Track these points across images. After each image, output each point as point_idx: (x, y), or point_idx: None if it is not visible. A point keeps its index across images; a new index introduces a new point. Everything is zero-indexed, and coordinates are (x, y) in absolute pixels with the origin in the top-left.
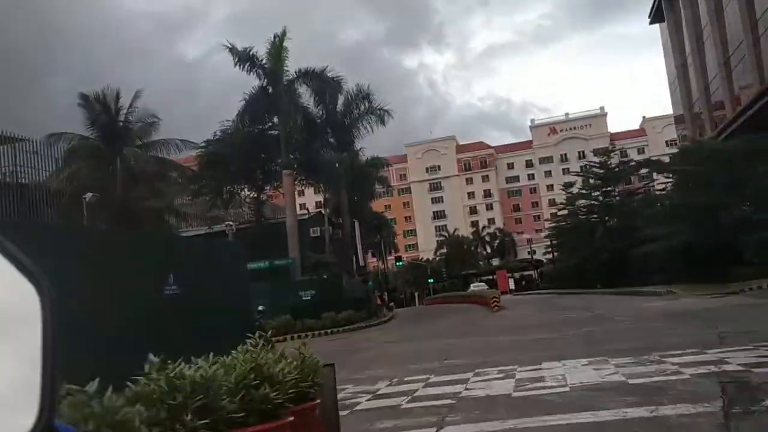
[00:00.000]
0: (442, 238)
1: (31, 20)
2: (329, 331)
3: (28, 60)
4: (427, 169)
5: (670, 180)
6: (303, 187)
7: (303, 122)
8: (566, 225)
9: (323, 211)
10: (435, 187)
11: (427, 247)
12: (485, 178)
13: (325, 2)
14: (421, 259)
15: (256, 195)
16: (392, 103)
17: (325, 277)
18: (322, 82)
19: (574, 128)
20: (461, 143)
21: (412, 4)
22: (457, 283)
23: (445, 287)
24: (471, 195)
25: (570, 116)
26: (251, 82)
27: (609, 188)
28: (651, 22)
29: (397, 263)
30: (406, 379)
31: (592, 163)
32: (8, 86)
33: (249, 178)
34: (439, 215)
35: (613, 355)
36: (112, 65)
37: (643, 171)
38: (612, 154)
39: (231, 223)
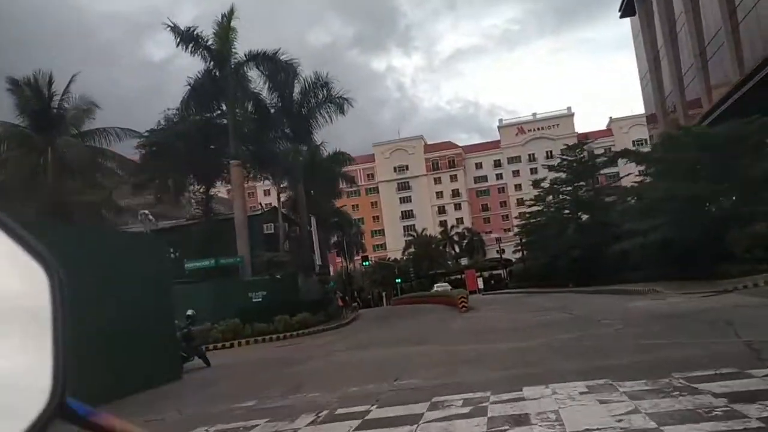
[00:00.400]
0: (410, 238)
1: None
2: (282, 335)
3: None
4: (395, 168)
5: (645, 174)
6: (258, 181)
7: (254, 109)
8: (536, 222)
9: (278, 207)
10: (403, 186)
11: (395, 247)
12: (453, 178)
13: (294, 5)
14: (389, 258)
15: (204, 189)
16: (361, 105)
17: (278, 277)
18: (276, 67)
19: (542, 128)
20: (429, 143)
21: (380, 8)
22: (425, 282)
23: (413, 287)
24: (439, 194)
25: (537, 116)
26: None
27: (581, 183)
28: (621, 16)
29: (364, 263)
30: (339, 411)
31: (564, 157)
32: None
33: (197, 170)
34: (407, 215)
35: (618, 376)
36: (79, 68)
37: (610, 170)
38: (584, 148)
39: (146, 211)
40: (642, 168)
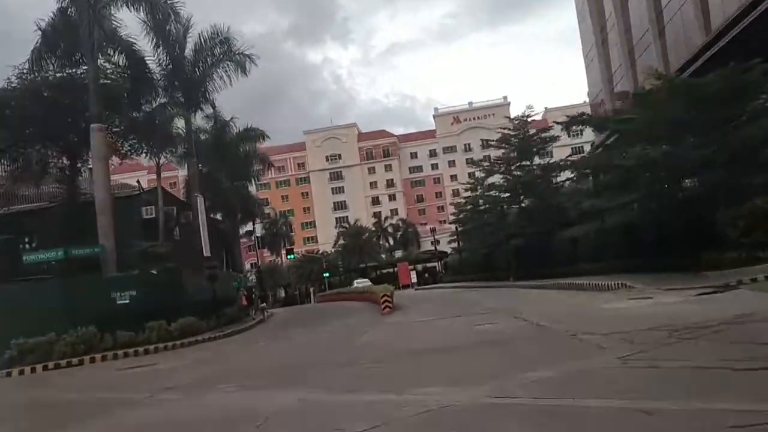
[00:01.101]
0: (343, 230)
1: None
2: (155, 347)
3: None
4: (327, 157)
5: (606, 146)
6: (138, 155)
7: (127, 63)
8: (472, 208)
9: (158, 184)
10: (335, 176)
11: (327, 240)
12: (388, 168)
13: None
14: (318, 252)
15: (69, 162)
16: (297, 97)
17: (153, 272)
18: (155, 11)
19: (478, 117)
20: (363, 132)
21: None
22: (354, 277)
23: (342, 282)
24: (373, 185)
25: (473, 105)
26: None
27: (525, 162)
28: None
29: (289, 256)
30: None
31: (504, 131)
32: None
33: (57, 138)
34: (339, 206)
35: None
36: None
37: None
38: (527, 121)
39: None
40: (599, 140)
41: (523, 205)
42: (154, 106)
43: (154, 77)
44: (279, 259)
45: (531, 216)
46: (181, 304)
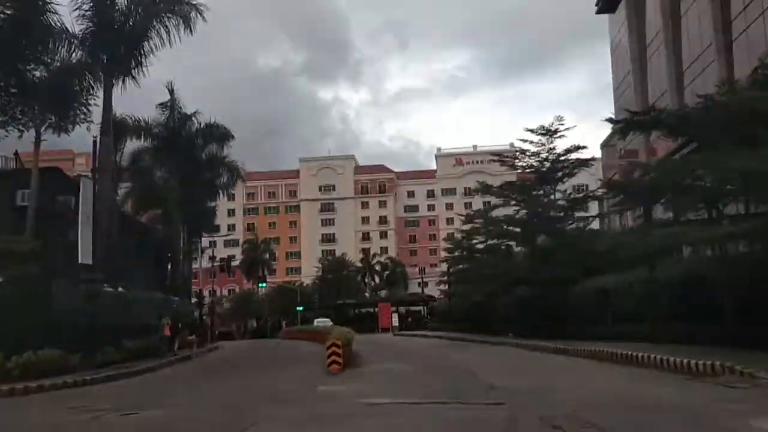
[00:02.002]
0: (324, 262)
1: None
2: None
3: None
4: (320, 187)
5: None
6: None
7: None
8: (471, 244)
9: (35, 162)
10: (327, 207)
11: (311, 272)
12: (382, 204)
13: (244, 26)
14: (296, 283)
15: None
16: (304, 133)
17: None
18: None
19: (481, 162)
20: (361, 164)
21: (332, 39)
22: (330, 314)
23: (317, 317)
24: (365, 220)
25: (478, 149)
26: None
27: (545, 187)
28: (598, 11)
29: (260, 285)
30: None
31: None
32: None
33: None
34: (328, 238)
35: None
36: None
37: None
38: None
39: None
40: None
41: (536, 243)
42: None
43: (63, 26)
44: (256, 287)
45: (547, 258)
46: (48, 329)
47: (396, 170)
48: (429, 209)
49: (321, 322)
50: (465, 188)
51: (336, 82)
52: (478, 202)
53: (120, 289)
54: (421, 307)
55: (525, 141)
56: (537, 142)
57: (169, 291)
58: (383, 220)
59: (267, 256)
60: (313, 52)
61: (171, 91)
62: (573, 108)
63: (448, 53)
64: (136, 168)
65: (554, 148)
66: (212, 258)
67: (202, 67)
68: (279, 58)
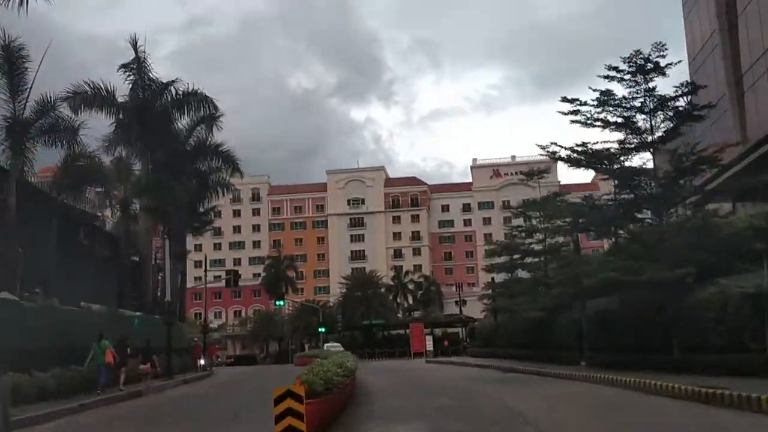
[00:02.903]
0: (348, 278)
1: None
2: None
3: None
4: (349, 201)
5: None
6: None
7: None
8: (526, 245)
9: None
10: (356, 222)
11: (339, 292)
12: (415, 219)
13: (277, 47)
14: (319, 302)
15: None
16: (336, 154)
17: None
18: None
19: (520, 173)
20: (392, 177)
21: (364, 59)
22: (357, 336)
23: (341, 339)
24: (397, 236)
25: (517, 160)
26: None
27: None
28: None
29: (277, 303)
30: None
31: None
32: None
33: None
34: (357, 255)
35: None
36: (52, 87)
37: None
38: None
39: None
40: None
41: (628, 233)
42: None
43: None
44: (284, 307)
45: (645, 254)
46: None
47: (429, 183)
48: (465, 224)
49: (332, 347)
50: (503, 201)
51: (368, 102)
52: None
53: (55, 302)
54: (459, 329)
55: (610, 78)
56: (628, 81)
57: (153, 311)
58: (416, 236)
59: (291, 273)
60: (345, 73)
61: (135, 47)
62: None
63: (481, 71)
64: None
65: (654, 90)
66: (205, 269)
67: (234, 88)
68: (311, 79)
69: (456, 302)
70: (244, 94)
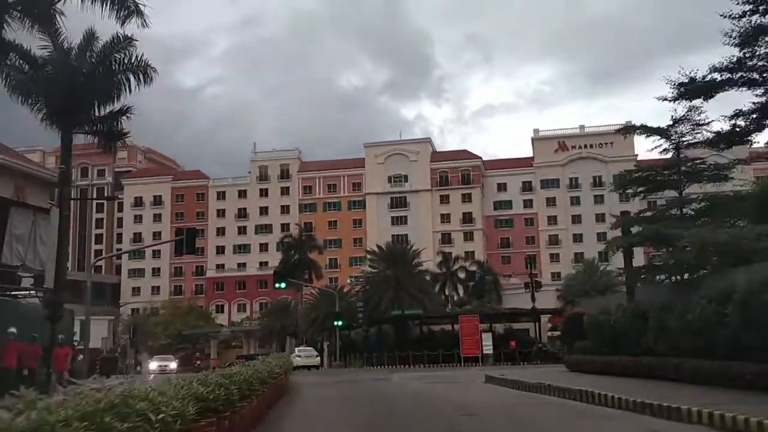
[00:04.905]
0: (371, 253)
1: None
2: None
3: None
4: (390, 178)
5: None
6: None
7: None
8: None
9: None
10: (398, 203)
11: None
12: (466, 198)
13: (327, 46)
14: (338, 287)
15: None
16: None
17: None
18: None
19: (590, 146)
20: (439, 151)
21: (415, 56)
22: (386, 332)
23: (367, 339)
24: (445, 218)
25: (586, 130)
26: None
27: None
28: None
29: (277, 284)
30: None
31: None
32: None
33: None
34: (399, 240)
35: None
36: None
37: None
38: None
39: None
40: None
41: None
42: None
43: None
44: (299, 295)
45: None
46: None
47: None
48: (525, 206)
49: (304, 351)
50: (570, 179)
51: (418, 99)
52: (587, 195)
53: None
54: (530, 324)
55: None
56: None
57: None
58: (467, 218)
59: (316, 257)
60: (395, 70)
61: None
62: (664, 120)
63: (533, 67)
64: None
65: None
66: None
67: (284, 87)
68: (361, 77)
69: (527, 286)
70: (294, 93)
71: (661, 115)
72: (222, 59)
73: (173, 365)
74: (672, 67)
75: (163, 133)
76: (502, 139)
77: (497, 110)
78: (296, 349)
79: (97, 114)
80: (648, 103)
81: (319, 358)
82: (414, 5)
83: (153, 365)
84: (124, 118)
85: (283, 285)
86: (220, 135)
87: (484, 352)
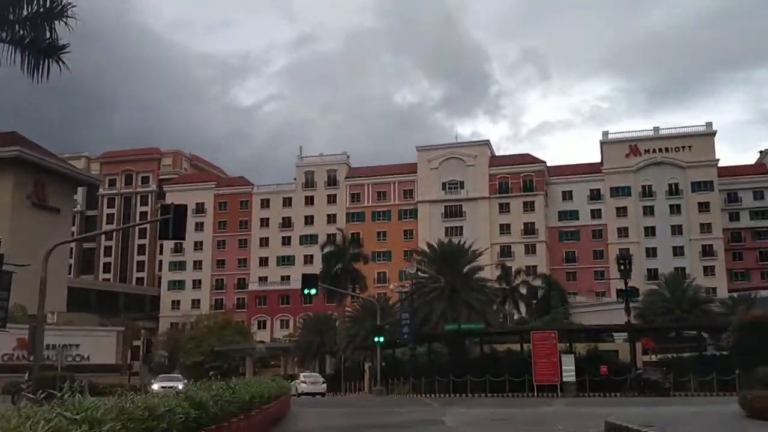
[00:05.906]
0: (418, 253)
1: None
2: None
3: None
4: (444, 185)
5: None
6: None
7: None
8: None
9: None
10: (453, 212)
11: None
12: (528, 207)
13: (382, 62)
14: (377, 297)
15: None
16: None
17: None
18: None
19: (667, 150)
20: (498, 155)
21: (471, 73)
22: (438, 351)
23: (415, 362)
24: (504, 229)
25: (661, 132)
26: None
27: None
28: None
29: (305, 291)
30: None
31: None
32: None
33: None
34: None
35: None
36: (167, 103)
37: None
38: None
39: None
40: None
41: None
42: None
43: None
44: (341, 309)
45: None
46: None
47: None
48: (593, 216)
49: (308, 377)
50: (644, 186)
51: (474, 116)
52: (663, 206)
53: None
54: (617, 346)
55: None
56: None
57: None
58: (529, 229)
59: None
60: (451, 87)
61: None
62: (728, 138)
63: (590, 83)
64: None
65: None
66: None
67: (340, 104)
68: (416, 94)
69: (620, 298)
70: (350, 109)
71: (724, 132)
72: (279, 76)
73: (181, 386)
74: (738, 83)
75: (222, 149)
76: (561, 155)
77: (554, 127)
78: (301, 375)
79: (15, 13)
80: (707, 120)
81: (325, 385)
82: (471, 22)
83: (156, 386)
84: (61, 22)
85: (313, 291)
86: (276, 151)
87: (565, 379)
